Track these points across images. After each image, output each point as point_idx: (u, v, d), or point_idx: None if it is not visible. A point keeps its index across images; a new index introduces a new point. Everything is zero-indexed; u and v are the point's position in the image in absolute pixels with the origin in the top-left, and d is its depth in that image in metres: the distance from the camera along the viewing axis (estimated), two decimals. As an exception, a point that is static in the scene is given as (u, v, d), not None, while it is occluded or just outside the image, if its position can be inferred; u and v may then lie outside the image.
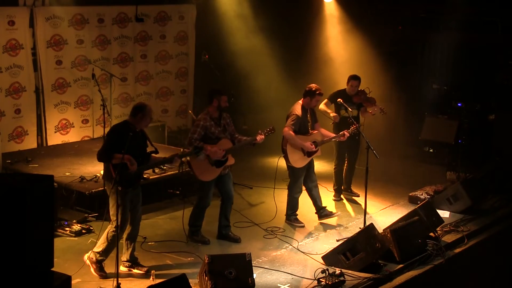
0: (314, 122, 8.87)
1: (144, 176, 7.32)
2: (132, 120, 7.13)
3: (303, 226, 8.84)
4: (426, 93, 13.09)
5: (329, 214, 9.06)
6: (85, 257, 7.19)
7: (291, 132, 8.52)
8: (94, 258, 7.16)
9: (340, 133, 8.94)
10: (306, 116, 8.73)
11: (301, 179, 8.85)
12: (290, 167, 8.79)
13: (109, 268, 7.20)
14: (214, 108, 8.01)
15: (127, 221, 7.25)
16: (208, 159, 7.92)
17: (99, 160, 7.07)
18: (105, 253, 7.18)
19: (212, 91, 8.09)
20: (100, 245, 7.18)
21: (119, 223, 7.04)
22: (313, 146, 8.64)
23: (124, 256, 7.36)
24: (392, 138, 12.39)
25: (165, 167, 9.75)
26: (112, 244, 7.09)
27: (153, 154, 7.23)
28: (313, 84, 8.74)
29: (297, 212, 8.98)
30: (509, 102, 11.93)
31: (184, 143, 8.25)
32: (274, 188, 9.48)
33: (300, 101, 8.73)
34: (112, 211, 7.09)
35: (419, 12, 12.85)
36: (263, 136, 8.14)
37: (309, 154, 8.71)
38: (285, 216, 9.01)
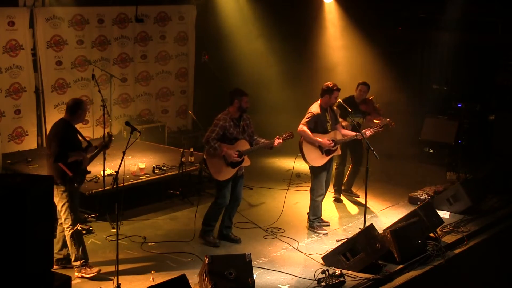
0: (335, 123, 8.74)
1: (88, 169, 7.32)
2: (70, 117, 7.14)
3: (327, 234, 8.67)
4: (426, 93, 13.11)
5: (321, 222, 8.96)
6: (75, 274, 7.16)
7: (305, 128, 8.43)
8: (78, 266, 7.17)
9: (363, 131, 8.73)
10: (325, 115, 8.59)
11: (323, 180, 8.66)
12: (310, 167, 8.67)
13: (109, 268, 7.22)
14: (235, 108, 7.97)
15: (79, 217, 7.36)
16: (224, 159, 7.92)
17: (57, 161, 6.91)
18: (83, 255, 7.18)
19: (233, 91, 8.04)
20: (73, 253, 7.18)
21: (72, 221, 7.11)
22: (331, 142, 8.53)
23: (61, 254, 7.35)
24: (392, 139, 12.39)
25: (165, 167, 9.77)
26: (82, 242, 7.18)
27: (89, 147, 7.27)
28: (329, 82, 8.64)
29: (321, 217, 8.87)
30: (509, 102, 11.94)
31: (201, 142, 8.23)
32: (288, 189, 9.51)
33: (318, 101, 8.64)
34: (65, 212, 7.09)
35: (419, 12, 12.85)
36: (281, 141, 8.09)
37: (328, 152, 8.56)
38: (307, 223, 8.84)
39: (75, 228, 7.13)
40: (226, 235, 8.30)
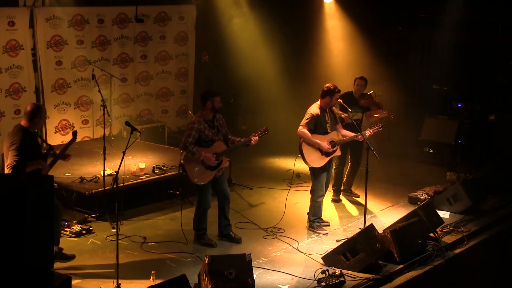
0: (335, 123, 8.71)
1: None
2: (28, 124, 6.96)
3: (327, 234, 8.66)
4: (426, 93, 13.11)
5: (321, 222, 8.95)
6: None
7: (305, 130, 8.40)
8: None
9: (362, 132, 8.68)
10: (324, 116, 8.56)
11: (323, 181, 8.65)
12: (310, 168, 8.65)
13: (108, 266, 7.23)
14: (208, 110, 7.96)
15: None
16: (202, 163, 7.90)
17: (15, 172, 6.75)
18: None
19: (205, 93, 8.04)
20: None
21: None
22: (330, 145, 8.50)
23: None
24: (392, 138, 12.39)
25: (165, 167, 9.77)
26: None
27: (51, 151, 7.22)
28: (329, 83, 8.61)
29: (321, 217, 8.87)
30: (509, 102, 11.95)
31: (179, 147, 8.25)
32: (290, 189, 9.55)
33: (318, 102, 8.62)
34: None
35: (419, 12, 12.85)
36: (257, 138, 8.06)
37: (328, 153, 8.56)
38: (307, 223, 8.83)
39: None
40: (227, 234, 8.29)
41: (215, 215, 8.38)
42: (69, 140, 7.42)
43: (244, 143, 8.08)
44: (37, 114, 6.97)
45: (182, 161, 7.98)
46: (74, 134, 7.48)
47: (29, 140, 6.93)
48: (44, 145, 7.52)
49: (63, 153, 7.29)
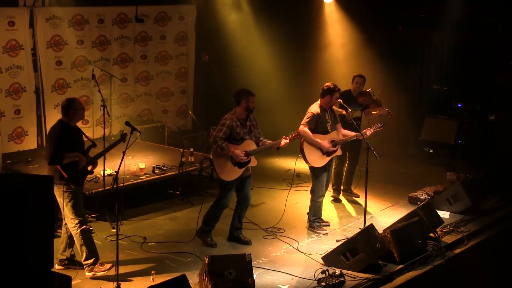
0: (335, 123, 8.71)
1: (89, 169, 7.31)
2: (66, 118, 7.10)
3: (327, 234, 8.66)
4: (426, 93, 13.11)
5: (321, 222, 8.96)
6: (87, 274, 7.14)
7: (306, 129, 8.41)
8: (90, 265, 7.13)
9: (363, 131, 8.68)
10: (325, 115, 8.56)
11: (324, 181, 8.66)
12: (311, 167, 8.65)
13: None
14: (242, 109, 7.95)
15: (85, 216, 7.33)
16: (231, 159, 7.90)
17: (52, 163, 6.93)
18: (93, 253, 7.19)
19: (240, 91, 8.01)
20: (83, 252, 7.14)
21: (79, 220, 7.12)
22: (330, 146, 8.50)
23: (65, 254, 7.35)
24: (392, 139, 12.39)
25: (165, 167, 9.76)
26: (91, 240, 7.20)
27: (92, 148, 7.29)
28: (329, 82, 8.61)
29: (321, 217, 8.88)
30: (509, 102, 11.94)
31: (209, 141, 8.27)
32: (290, 189, 9.56)
33: (318, 101, 8.62)
34: (70, 211, 7.09)
35: (419, 12, 12.85)
36: (288, 141, 8.07)
37: (328, 153, 8.56)
38: (307, 223, 8.83)
39: (82, 227, 7.13)
40: (237, 237, 8.29)
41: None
42: (118, 139, 7.38)
43: (274, 145, 8.08)
44: (71, 107, 7.07)
45: (210, 156, 7.99)
46: (123, 136, 7.46)
47: (68, 134, 7.05)
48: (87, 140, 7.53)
49: (107, 151, 7.36)
